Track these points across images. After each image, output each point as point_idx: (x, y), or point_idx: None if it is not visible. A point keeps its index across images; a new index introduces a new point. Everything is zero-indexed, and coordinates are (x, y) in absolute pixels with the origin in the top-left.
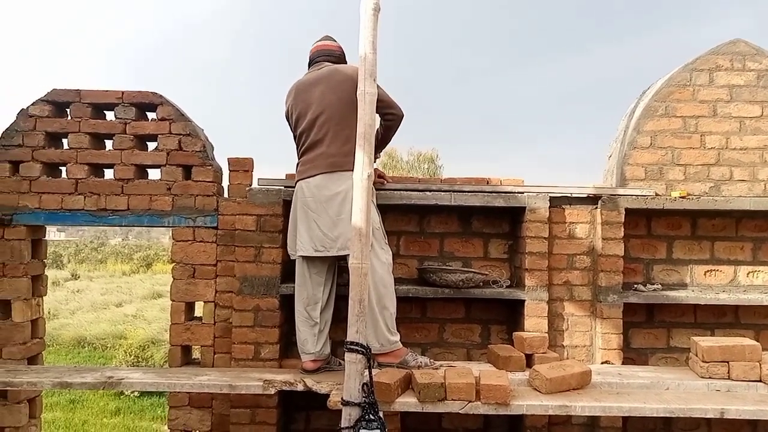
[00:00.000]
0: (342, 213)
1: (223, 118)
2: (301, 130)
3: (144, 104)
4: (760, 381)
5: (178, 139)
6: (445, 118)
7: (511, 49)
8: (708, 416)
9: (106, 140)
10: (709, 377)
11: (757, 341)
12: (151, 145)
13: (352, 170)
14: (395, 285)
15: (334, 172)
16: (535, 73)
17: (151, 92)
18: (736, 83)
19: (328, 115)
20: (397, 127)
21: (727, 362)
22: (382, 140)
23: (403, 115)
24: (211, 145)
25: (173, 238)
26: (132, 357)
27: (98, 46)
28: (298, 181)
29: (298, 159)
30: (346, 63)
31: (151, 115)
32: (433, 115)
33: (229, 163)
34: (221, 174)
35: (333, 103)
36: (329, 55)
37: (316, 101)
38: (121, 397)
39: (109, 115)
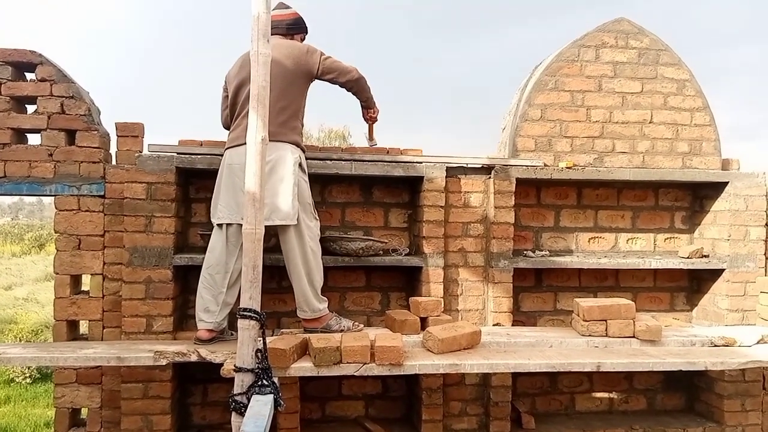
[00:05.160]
0: (267, 182)
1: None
2: (239, 98)
3: (22, 63)
4: (634, 337)
5: (60, 102)
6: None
7: (431, 26)
8: (586, 370)
9: None
10: (589, 335)
11: (635, 302)
12: (31, 108)
13: (284, 141)
14: None
15: None
16: (455, 50)
17: (30, 50)
18: (620, 60)
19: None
20: (364, 85)
21: (605, 321)
22: (363, 100)
23: (359, 75)
24: (98, 109)
25: (56, 207)
26: (23, 342)
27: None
28: (228, 148)
29: (230, 126)
30: (302, 27)
31: (30, 76)
32: (345, 91)
33: (117, 128)
34: (109, 140)
35: (274, 75)
36: (277, 27)
37: None
38: (11, 384)
39: None
